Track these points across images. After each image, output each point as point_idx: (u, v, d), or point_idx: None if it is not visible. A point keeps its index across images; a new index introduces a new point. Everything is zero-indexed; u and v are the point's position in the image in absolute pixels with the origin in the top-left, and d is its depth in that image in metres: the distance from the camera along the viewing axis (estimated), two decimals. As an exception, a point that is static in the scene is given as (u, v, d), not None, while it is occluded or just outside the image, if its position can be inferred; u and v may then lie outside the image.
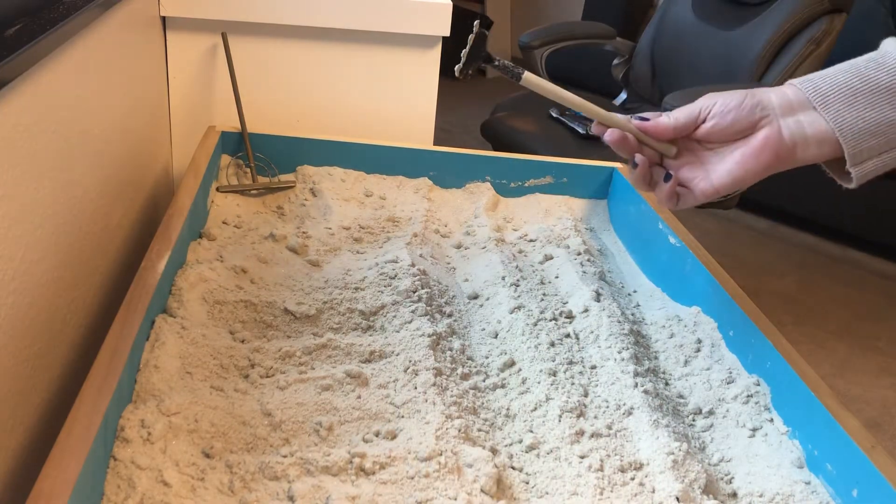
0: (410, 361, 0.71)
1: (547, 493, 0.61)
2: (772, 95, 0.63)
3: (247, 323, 0.76)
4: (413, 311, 0.78)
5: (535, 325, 0.80)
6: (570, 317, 0.84)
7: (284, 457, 0.59)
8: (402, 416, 0.65)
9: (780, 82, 2.05)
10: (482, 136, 2.10)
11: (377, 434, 0.63)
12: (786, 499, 0.62)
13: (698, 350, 0.80)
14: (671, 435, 0.65)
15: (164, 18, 1.14)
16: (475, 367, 0.75)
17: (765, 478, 0.64)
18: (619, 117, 0.69)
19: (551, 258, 0.96)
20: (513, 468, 0.63)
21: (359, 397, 0.67)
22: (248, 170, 1.03)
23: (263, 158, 1.05)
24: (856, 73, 0.61)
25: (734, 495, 0.63)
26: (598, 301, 0.84)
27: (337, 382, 0.68)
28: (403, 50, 1.20)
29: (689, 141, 0.68)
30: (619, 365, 0.74)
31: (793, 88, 0.63)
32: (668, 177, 0.68)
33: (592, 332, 0.80)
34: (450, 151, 1.09)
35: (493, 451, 0.63)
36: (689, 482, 0.61)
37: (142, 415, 0.58)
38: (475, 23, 0.75)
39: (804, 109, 0.62)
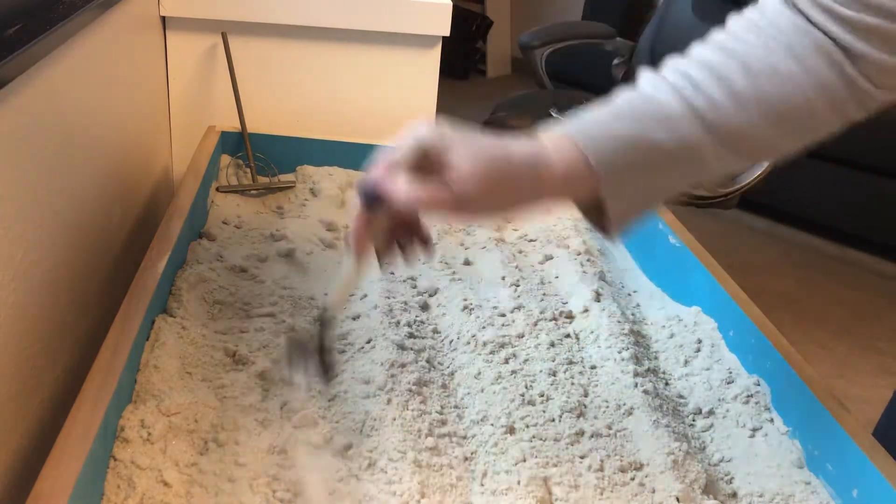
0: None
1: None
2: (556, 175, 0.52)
3: (247, 323, 0.76)
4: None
5: (535, 324, 0.80)
6: (570, 317, 0.84)
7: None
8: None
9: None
10: (482, 136, 2.10)
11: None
12: (786, 499, 0.62)
13: (698, 350, 0.80)
14: (671, 435, 0.65)
15: (164, 18, 1.14)
16: (475, 367, 0.75)
17: (765, 478, 0.64)
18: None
19: (551, 258, 0.96)
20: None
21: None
22: (248, 170, 1.03)
23: (263, 158, 1.05)
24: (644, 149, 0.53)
25: (734, 495, 0.63)
26: (598, 301, 0.84)
27: (337, 383, 0.68)
28: (403, 50, 1.20)
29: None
30: (619, 365, 0.74)
31: (579, 166, 0.52)
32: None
33: (592, 332, 0.80)
34: (450, 151, 1.09)
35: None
36: (689, 482, 0.61)
37: (142, 415, 0.58)
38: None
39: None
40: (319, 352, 0.59)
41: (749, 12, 0.56)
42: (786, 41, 0.53)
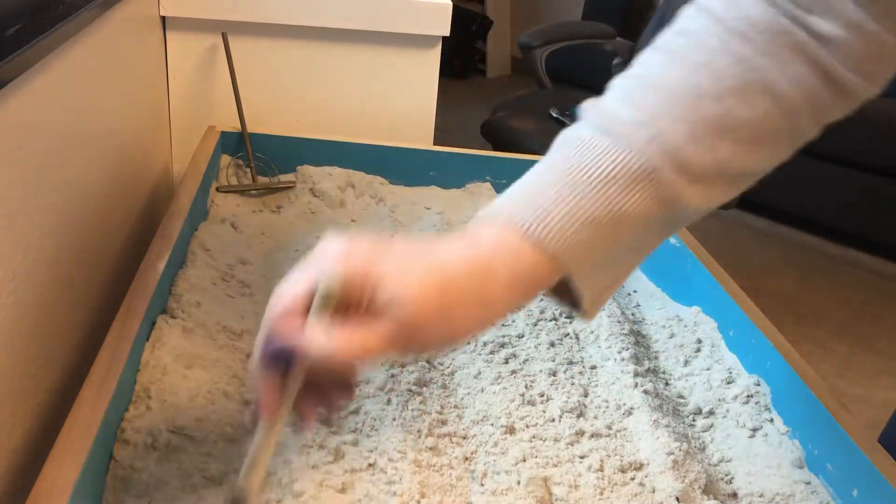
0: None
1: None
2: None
3: (247, 323, 0.76)
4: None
5: (535, 324, 0.80)
6: (570, 317, 0.84)
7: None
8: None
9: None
10: (482, 136, 2.10)
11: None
12: (786, 499, 0.62)
13: (698, 350, 0.80)
14: (671, 435, 0.65)
15: (164, 18, 1.14)
16: (475, 367, 0.75)
17: (765, 478, 0.64)
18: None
19: (551, 258, 0.96)
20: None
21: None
22: (248, 170, 1.03)
23: (263, 158, 1.05)
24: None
25: (734, 495, 0.63)
26: (598, 301, 0.84)
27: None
28: (403, 50, 1.20)
29: None
30: (619, 365, 0.74)
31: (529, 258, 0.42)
32: None
33: (592, 331, 0.80)
34: (450, 151, 1.09)
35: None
36: (689, 482, 0.61)
37: (142, 416, 0.58)
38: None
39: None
40: None
41: (690, 21, 0.45)
42: (750, 47, 0.43)
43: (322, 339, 0.39)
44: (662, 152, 0.42)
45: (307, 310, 0.40)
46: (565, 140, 0.45)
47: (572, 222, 0.42)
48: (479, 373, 0.72)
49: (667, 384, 0.76)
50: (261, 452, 0.43)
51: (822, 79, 0.44)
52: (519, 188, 0.44)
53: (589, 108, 0.45)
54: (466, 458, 0.63)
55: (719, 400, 0.73)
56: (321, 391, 0.45)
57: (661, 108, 0.43)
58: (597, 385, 0.73)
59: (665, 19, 2.20)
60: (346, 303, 0.40)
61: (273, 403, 0.42)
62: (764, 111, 0.43)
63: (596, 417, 0.69)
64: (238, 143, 1.06)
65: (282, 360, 0.40)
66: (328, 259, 0.40)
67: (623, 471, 0.63)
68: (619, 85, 0.45)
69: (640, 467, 0.63)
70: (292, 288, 0.41)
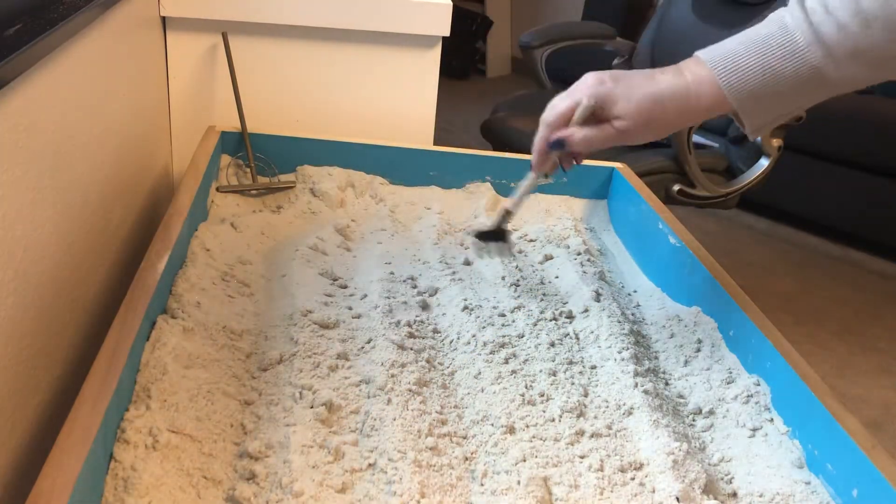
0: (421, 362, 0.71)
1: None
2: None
3: (247, 323, 0.76)
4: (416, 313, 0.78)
5: (535, 324, 0.80)
6: (570, 317, 0.84)
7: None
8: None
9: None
10: (482, 136, 2.10)
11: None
12: (786, 499, 0.62)
13: (698, 350, 0.80)
14: (671, 435, 0.65)
15: (164, 18, 1.14)
16: (475, 367, 0.74)
17: (765, 478, 0.64)
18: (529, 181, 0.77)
19: (551, 258, 0.96)
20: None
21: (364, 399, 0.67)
22: (248, 170, 1.03)
23: (263, 158, 1.05)
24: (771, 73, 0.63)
25: (734, 495, 0.63)
26: (598, 301, 0.84)
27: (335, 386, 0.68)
28: (403, 50, 1.20)
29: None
30: (619, 365, 0.74)
31: (714, 98, 0.65)
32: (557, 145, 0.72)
33: (592, 332, 0.80)
34: (450, 151, 1.09)
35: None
36: (689, 482, 0.61)
37: (142, 416, 0.58)
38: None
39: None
40: (499, 236, 0.85)
41: None
42: None
43: (578, 134, 0.69)
44: (823, 46, 0.60)
45: (569, 118, 0.70)
46: (771, 18, 0.63)
47: (746, 75, 0.63)
48: (479, 373, 0.72)
49: (667, 384, 0.76)
50: (526, 187, 0.79)
51: None
52: (730, 42, 0.64)
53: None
54: (466, 458, 0.63)
55: (719, 400, 0.73)
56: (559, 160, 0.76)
57: (840, 3, 0.59)
58: (597, 385, 0.73)
59: (665, 19, 2.21)
60: (595, 116, 0.69)
61: (542, 163, 0.74)
62: None
63: (596, 417, 0.69)
64: (238, 143, 1.06)
65: (557, 146, 0.71)
66: (585, 87, 0.69)
67: (623, 471, 0.63)
68: None
69: (640, 467, 0.63)
70: (563, 104, 0.70)
